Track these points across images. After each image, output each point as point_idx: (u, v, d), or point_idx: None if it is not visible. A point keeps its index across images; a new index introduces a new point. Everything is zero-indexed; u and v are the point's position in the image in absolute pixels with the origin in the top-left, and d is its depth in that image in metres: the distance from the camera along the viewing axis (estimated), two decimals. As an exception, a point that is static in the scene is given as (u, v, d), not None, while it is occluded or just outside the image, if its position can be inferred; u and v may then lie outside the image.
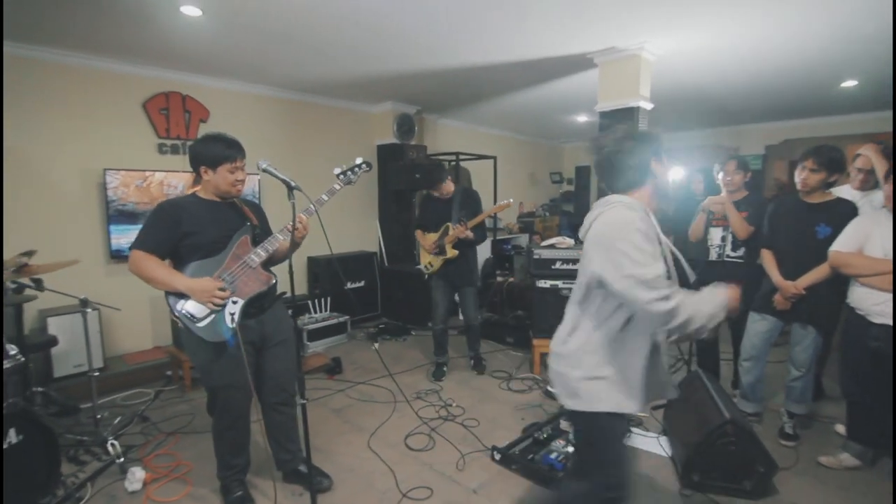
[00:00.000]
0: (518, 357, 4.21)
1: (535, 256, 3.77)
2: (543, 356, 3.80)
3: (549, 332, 3.63)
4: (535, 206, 8.36)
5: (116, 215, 3.73)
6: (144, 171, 3.84)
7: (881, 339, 2.25)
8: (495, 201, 6.23)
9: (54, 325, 3.27)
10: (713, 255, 3.15)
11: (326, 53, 3.67)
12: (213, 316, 1.95)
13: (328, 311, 4.74)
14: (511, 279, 5.31)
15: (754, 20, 3.07)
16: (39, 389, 2.97)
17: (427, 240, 3.66)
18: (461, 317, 4.35)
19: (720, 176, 3.09)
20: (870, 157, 2.70)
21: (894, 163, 1.43)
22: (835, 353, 2.97)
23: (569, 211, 8.67)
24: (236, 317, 1.97)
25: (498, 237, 6.50)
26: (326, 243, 2.10)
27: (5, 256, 2.69)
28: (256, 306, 2.07)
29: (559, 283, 3.71)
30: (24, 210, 3.40)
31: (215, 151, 2.00)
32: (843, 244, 2.33)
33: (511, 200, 3.57)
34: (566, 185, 9.05)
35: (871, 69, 4.20)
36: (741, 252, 3.03)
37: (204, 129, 4.28)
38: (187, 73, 4.12)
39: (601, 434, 1.52)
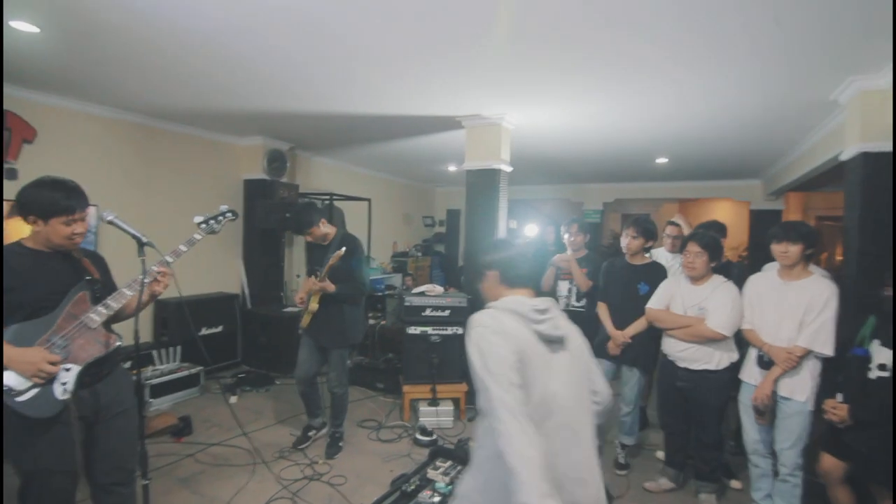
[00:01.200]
0: (388, 403, 4.21)
1: (406, 303, 3.88)
2: (413, 402, 3.87)
3: (418, 379, 3.78)
4: (408, 245, 8.57)
5: None
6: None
7: (685, 380, 2.75)
8: (369, 242, 6.30)
9: None
10: (561, 305, 3.57)
11: (187, 84, 3.44)
12: (37, 389, 1.66)
13: (178, 362, 4.26)
14: (383, 322, 5.33)
15: (589, 105, 3.65)
16: None
17: (304, 287, 3.23)
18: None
19: (566, 237, 3.56)
20: (682, 225, 3.38)
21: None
22: (654, 389, 3.52)
23: (440, 251, 9.06)
24: (69, 387, 1.71)
25: (372, 277, 6.51)
26: (175, 284, 1.91)
27: None
28: (93, 373, 1.81)
29: (429, 330, 3.84)
30: None
31: (49, 201, 1.72)
32: (655, 302, 2.85)
33: (343, 250, 2.94)
34: (438, 227, 9.47)
35: (676, 150, 5.24)
36: (583, 303, 3.48)
37: (29, 152, 3.67)
38: (8, 84, 3.52)
39: None
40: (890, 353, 2.10)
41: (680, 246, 2.86)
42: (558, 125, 4.25)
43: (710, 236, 2.72)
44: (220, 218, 2.19)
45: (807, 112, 3.58)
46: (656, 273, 3.07)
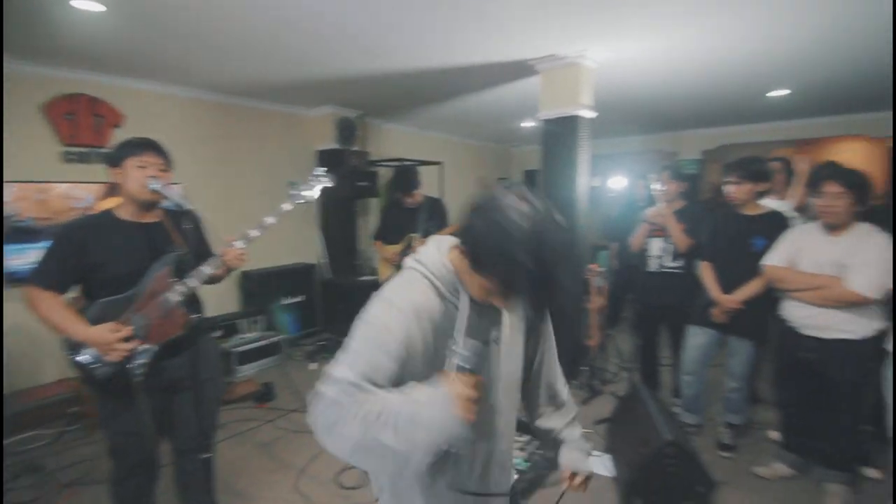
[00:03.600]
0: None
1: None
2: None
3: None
4: (484, 210, 8.30)
5: (12, 233, 3.30)
6: (43, 182, 3.43)
7: (811, 351, 2.27)
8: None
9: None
10: (653, 266, 3.13)
11: (256, 55, 3.39)
12: (113, 365, 1.71)
13: (261, 331, 4.44)
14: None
15: (688, 31, 3.06)
16: None
17: (388, 251, 3.38)
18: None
19: (657, 187, 3.08)
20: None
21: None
22: (768, 362, 3.02)
23: (518, 215, 8.69)
24: (143, 364, 1.74)
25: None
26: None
27: None
28: (172, 350, 1.82)
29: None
30: None
31: (123, 144, 1.78)
32: (777, 258, 2.34)
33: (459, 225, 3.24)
34: (515, 189, 9.07)
35: (799, 77, 4.34)
36: (680, 262, 3.02)
37: (118, 136, 3.89)
38: (95, 72, 3.71)
39: None
40: None
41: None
42: (648, 61, 3.66)
43: (857, 173, 2.15)
44: (314, 182, 2.04)
45: None
46: (776, 224, 2.51)
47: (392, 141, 6.40)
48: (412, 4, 2.63)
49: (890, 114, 5.90)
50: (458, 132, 7.34)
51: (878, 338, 2.17)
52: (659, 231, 3.09)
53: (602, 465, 2.64)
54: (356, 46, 3.29)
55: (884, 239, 2.10)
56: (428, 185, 6.23)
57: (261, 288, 4.53)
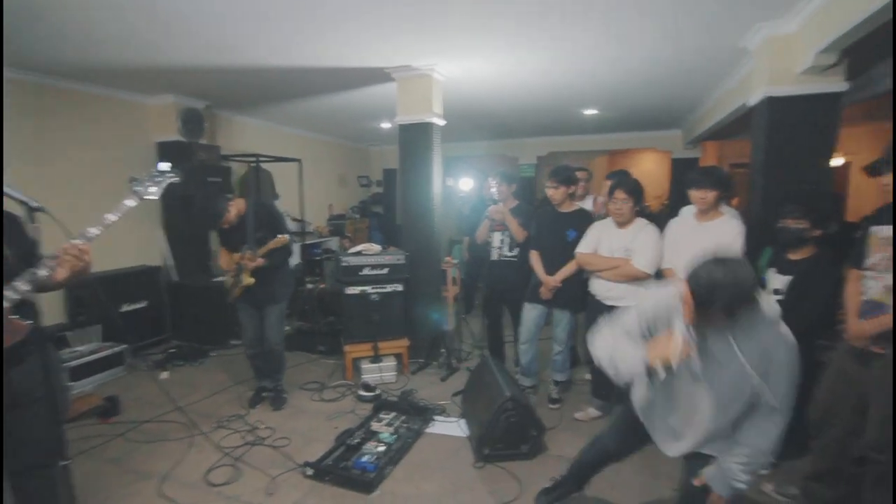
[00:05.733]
0: (330, 365, 4.19)
1: (343, 264, 3.81)
2: (356, 361, 3.87)
3: (359, 338, 3.78)
4: (345, 208, 8.36)
5: None
6: None
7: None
8: (301, 205, 6.08)
9: None
10: (494, 255, 3.65)
11: (89, 36, 3.06)
12: None
13: (99, 342, 3.99)
14: (322, 285, 5.24)
15: (519, 55, 3.62)
16: None
17: (227, 262, 3.27)
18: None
19: (492, 189, 3.61)
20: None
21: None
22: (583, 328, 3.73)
23: (378, 212, 8.92)
24: None
25: (307, 241, 6.32)
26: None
27: None
28: (10, 361, 1.64)
29: (368, 289, 3.82)
30: None
31: None
32: (584, 246, 2.98)
33: (286, 237, 3.07)
34: (375, 188, 9.28)
35: (603, 101, 5.36)
36: (516, 252, 3.57)
37: None
38: None
39: None
40: (784, 278, 2.33)
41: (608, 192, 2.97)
42: (489, 76, 4.20)
43: (635, 182, 2.84)
44: (159, 179, 1.94)
45: (719, 60, 3.75)
46: (584, 219, 3.18)
47: (246, 135, 6.13)
48: (264, 9, 2.69)
49: (674, 132, 7.54)
50: (318, 129, 7.30)
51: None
52: (499, 226, 3.61)
53: (459, 428, 3.03)
54: (200, 39, 3.19)
55: (654, 230, 2.82)
56: (287, 181, 6.15)
57: (94, 295, 4.04)
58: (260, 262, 3.07)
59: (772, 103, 3.03)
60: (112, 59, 3.57)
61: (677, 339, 1.53)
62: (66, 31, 2.98)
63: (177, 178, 1.98)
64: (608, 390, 3.16)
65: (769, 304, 1.58)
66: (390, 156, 8.92)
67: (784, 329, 1.56)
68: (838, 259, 2.22)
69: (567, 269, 3.10)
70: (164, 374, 3.96)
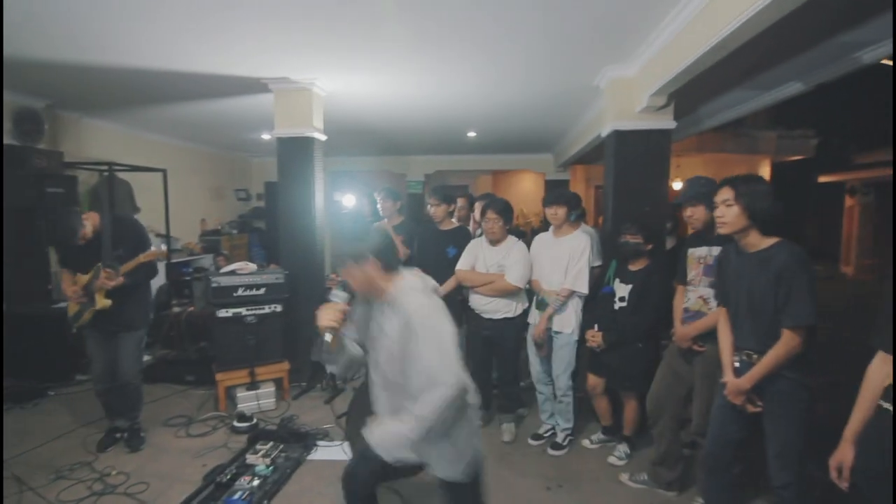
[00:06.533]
0: (200, 396, 3.83)
1: (214, 285, 3.53)
2: (230, 390, 3.59)
3: (234, 364, 3.52)
4: (219, 222, 7.76)
5: None
6: None
7: (490, 329, 3.09)
8: (167, 220, 5.52)
9: None
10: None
11: None
12: None
13: None
14: (191, 308, 4.79)
15: (397, 77, 3.72)
16: None
17: (71, 286, 2.80)
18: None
19: (378, 206, 3.65)
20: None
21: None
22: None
23: (260, 228, 8.42)
24: None
25: (174, 260, 5.75)
26: None
27: None
28: None
29: (242, 311, 3.58)
30: None
31: None
32: (463, 263, 3.12)
33: (162, 248, 2.78)
34: (256, 201, 8.76)
35: (482, 125, 5.71)
36: (400, 269, 3.62)
37: None
38: None
39: None
40: (627, 287, 2.68)
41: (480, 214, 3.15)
42: (373, 94, 4.24)
43: (504, 202, 3.06)
44: None
45: (578, 95, 4.22)
46: (463, 236, 3.34)
47: (99, 141, 5.42)
48: (125, 2, 2.46)
49: (547, 156, 8.23)
50: (189, 138, 6.71)
51: (524, 315, 3.11)
52: (383, 243, 3.64)
53: (343, 452, 2.95)
54: (40, 30, 2.80)
55: (523, 246, 3.05)
56: (151, 193, 5.55)
57: None
58: (121, 280, 2.72)
59: (618, 136, 3.48)
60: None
61: (333, 306, 1.60)
62: None
63: None
64: (490, 400, 3.33)
65: (420, 276, 1.66)
66: (273, 168, 8.49)
67: (422, 299, 1.55)
68: (672, 269, 2.59)
69: (447, 285, 3.21)
70: (-14, 421, 3.31)
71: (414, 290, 1.58)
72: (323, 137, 4.07)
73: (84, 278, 2.79)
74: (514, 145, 7.37)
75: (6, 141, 4.15)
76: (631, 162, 3.46)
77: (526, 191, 9.71)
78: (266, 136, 6.44)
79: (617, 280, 2.75)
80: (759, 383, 1.79)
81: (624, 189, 3.47)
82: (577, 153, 5.93)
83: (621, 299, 2.69)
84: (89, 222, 2.74)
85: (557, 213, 2.92)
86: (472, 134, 6.26)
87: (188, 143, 7.01)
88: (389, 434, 1.54)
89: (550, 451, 2.97)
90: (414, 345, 1.48)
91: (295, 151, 3.93)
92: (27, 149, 4.27)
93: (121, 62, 3.36)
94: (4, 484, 2.59)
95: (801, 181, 11.08)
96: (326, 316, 1.57)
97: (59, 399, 3.76)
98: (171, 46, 3.08)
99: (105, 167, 4.92)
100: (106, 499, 2.49)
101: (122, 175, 5.26)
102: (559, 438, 3.01)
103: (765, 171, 9.85)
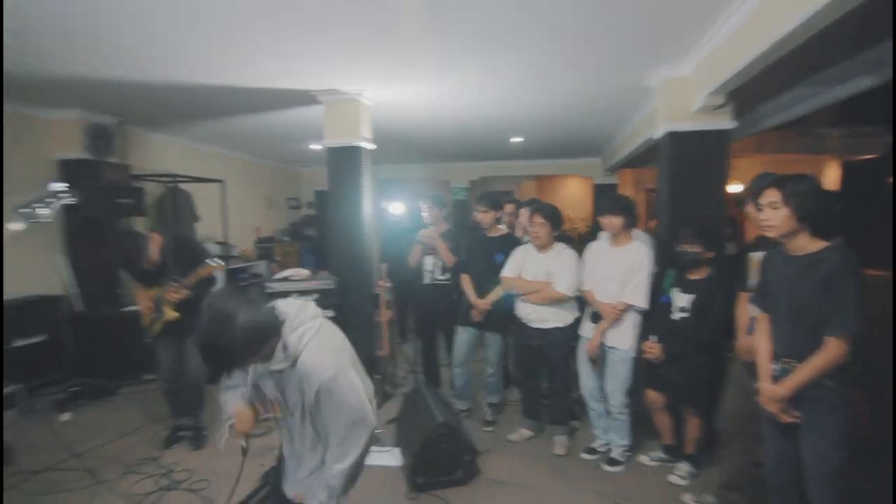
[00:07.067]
0: (257, 397, 3.97)
1: (268, 290, 3.67)
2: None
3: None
4: (273, 231, 8.07)
5: None
6: None
7: (537, 338, 3.03)
8: (225, 228, 5.80)
9: None
10: (427, 279, 3.69)
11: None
12: None
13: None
14: (247, 312, 4.97)
15: (447, 85, 3.75)
16: None
17: (144, 300, 3.05)
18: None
19: (424, 211, 3.67)
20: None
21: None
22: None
23: (311, 235, 8.67)
24: None
25: (232, 266, 6.02)
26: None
27: None
28: None
29: (296, 316, 3.68)
30: None
31: None
32: (508, 270, 3.08)
33: (217, 262, 2.96)
34: (306, 209, 9.05)
35: (528, 130, 5.65)
36: (447, 276, 3.63)
37: None
38: None
39: None
40: (687, 297, 2.55)
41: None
42: (419, 102, 4.29)
43: (552, 207, 3.00)
44: (50, 199, 1.78)
45: (628, 96, 4.10)
46: (510, 243, 3.29)
47: (162, 154, 5.77)
48: (193, 26, 2.61)
49: (595, 160, 8.05)
50: (243, 150, 7.04)
51: (575, 325, 3.03)
52: (430, 250, 3.66)
53: (392, 457, 2.98)
54: (110, 49, 2.99)
55: (572, 253, 2.98)
56: (209, 203, 5.85)
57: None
58: (186, 293, 2.93)
59: (672, 137, 3.35)
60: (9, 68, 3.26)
61: (241, 410, 1.57)
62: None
63: (72, 199, 1.86)
64: (539, 411, 3.27)
65: (298, 306, 1.50)
66: (322, 177, 8.74)
67: (309, 360, 1.41)
68: (734, 277, 2.45)
69: (496, 293, 3.19)
70: (66, 416, 3.58)
71: (303, 339, 1.43)
72: (371, 146, 4.15)
73: (153, 293, 3.01)
74: (560, 150, 7.25)
75: (81, 156, 4.50)
76: (687, 165, 3.32)
77: (572, 196, 9.52)
78: (315, 147, 6.65)
79: (676, 290, 2.62)
80: (797, 392, 1.68)
81: (680, 193, 3.33)
82: (626, 156, 5.76)
83: (681, 309, 2.56)
84: (154, 244, 2.96)
85: (613, 222, 2.77)
86: (516, 139, 6.21)
87: (244, 155, 7.35)
88: None
89: (605, 467, 2.86)
90: (324, 411, 1.44)
91: (344, 160, 4.03)
92: (100, 163, 4.61)
93: (183, 79, 3.55)
94: (79, 476, 2.79)
95: (874, 181, 10.29)
96: (246, 423, 1.58)
97: (129, 397, 4.02)
98: (230, 63, 3.23)
99: (168, 179, 5.23)
100: (171, 494, 2.62)
101: (183, 186, 5.57)
102: (615, 454, 2.88)
103: (833, 172, 9.21)
